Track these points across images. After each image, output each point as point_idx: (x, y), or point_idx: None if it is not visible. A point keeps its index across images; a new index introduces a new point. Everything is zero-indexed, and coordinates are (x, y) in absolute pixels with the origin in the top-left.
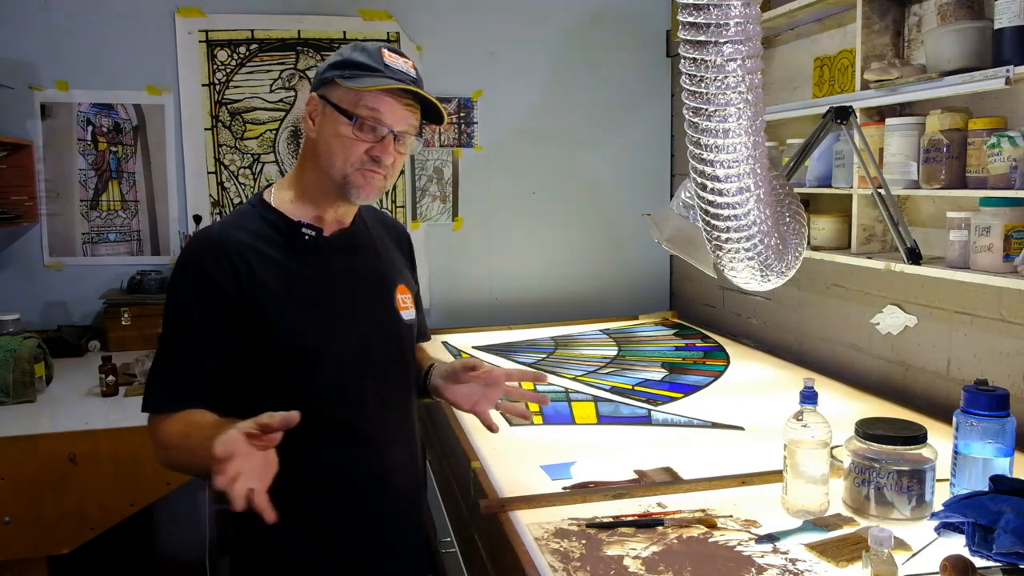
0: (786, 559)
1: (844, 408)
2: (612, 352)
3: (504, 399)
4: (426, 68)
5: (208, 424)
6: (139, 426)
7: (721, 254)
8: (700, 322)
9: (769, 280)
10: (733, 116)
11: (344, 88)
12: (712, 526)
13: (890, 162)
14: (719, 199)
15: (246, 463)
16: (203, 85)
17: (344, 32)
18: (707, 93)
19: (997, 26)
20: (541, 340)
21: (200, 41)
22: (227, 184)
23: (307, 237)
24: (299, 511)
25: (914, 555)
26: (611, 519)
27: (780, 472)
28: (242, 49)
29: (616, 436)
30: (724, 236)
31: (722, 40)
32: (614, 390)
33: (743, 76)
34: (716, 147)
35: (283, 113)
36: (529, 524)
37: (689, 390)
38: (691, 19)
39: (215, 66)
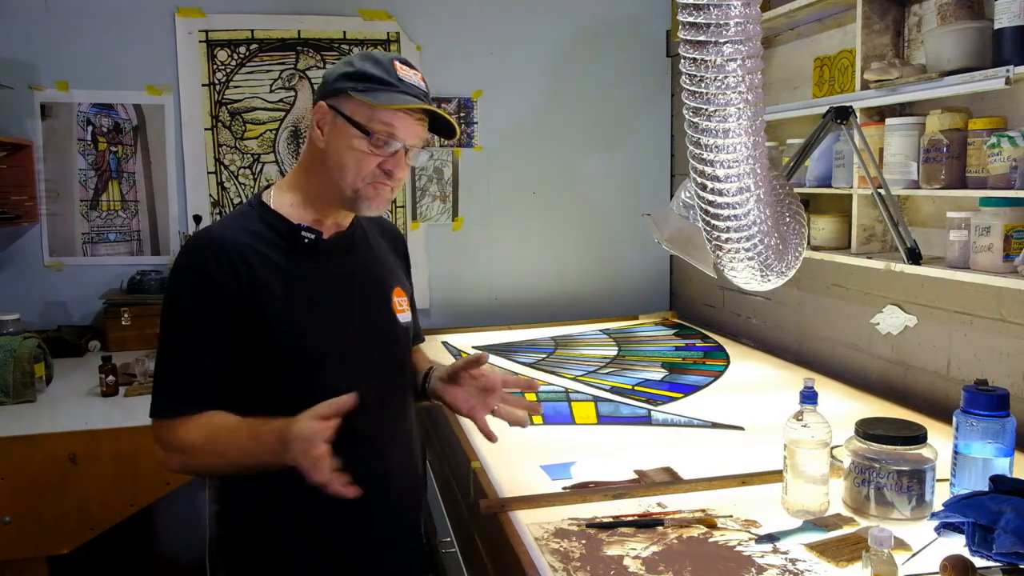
0: (786, 559)
1: (844, 408)
2: (612, 352)
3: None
4: (426, 68)
5: (238, 424)
6: (139, 426)
7: (721, 254)
8: (700, 322)
9: (769, 280)
10: (733, 116)
11: (358, 101)
12: (712, 526)
13: (890, 162)
14: (719, 199)
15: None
16: (203, 85)
17: (344, 32)
18: (707, 93)
19: (997, 26)
20: (541, 340)
21: (200, 41)
22: (227, 184)
23: (307, 240)
24: (299, 511)
25: (914, 555)
26: (611, 519)
27: (780, 472)
28: (242, 49)
29: (616, 436)
30: (724, 236)
31: (722, 40)
32: (614, 390)
33: (743, 76)
34: (716, 147)
35: (283, 113)
36: (529, 524)
37: (689, 390)
38: (691, 19)
39: (215, 66)
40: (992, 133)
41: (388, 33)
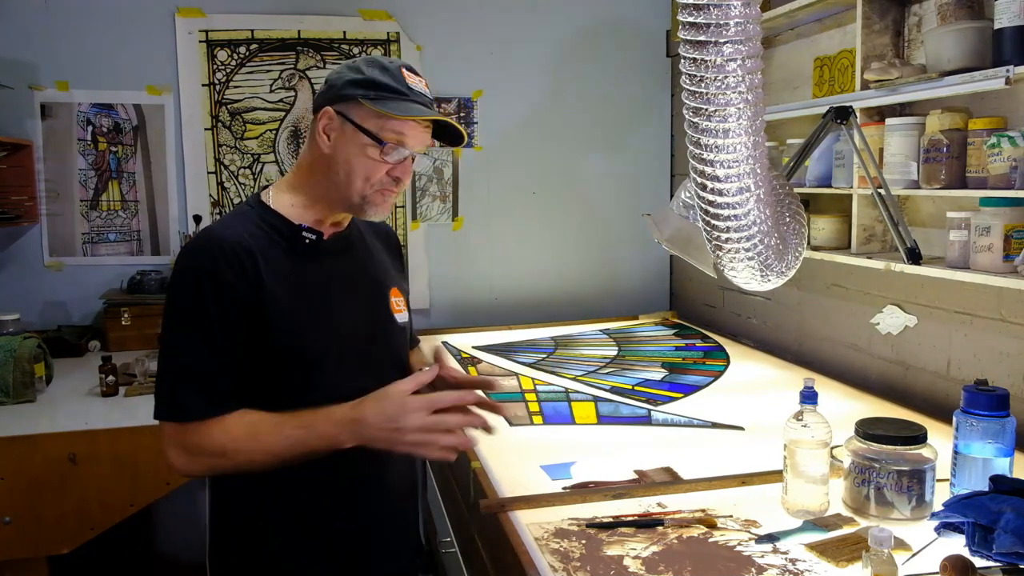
0: (786, 559)
1: (844, 408)
2: (612, 352)
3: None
4: (426, 68)
5: (281, 418)
6: (139, 426)
7: (721, 254)
8: (700, 322)
9: (769, 280)
10: (733, 116)
11: (368, 110)
12: (712, 526)
13: (890, 162)
14: (719, 199)
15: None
16: (203, 85)
17: (344, 32)
18: (707, 93)
19: (997, 26)
20: (541, 340)
21: (200, 41)
22: (227, 184)
23: (308, 240)
24: (298, 511)
25: (914, 555)
26: (611, 519)
27: (780, 472)
28: (242, 49)
29: (616, 436)
30: (724, 236)
31: (722, 40)
32: (614, 390)
33: (743, 76)
34: (716, 147)
35: (283, 113)
36: (529, 524)
37: (689, 390)
38: (691, 19)
39: (215, 66)
40: (992, 133)
41: (388, 33)
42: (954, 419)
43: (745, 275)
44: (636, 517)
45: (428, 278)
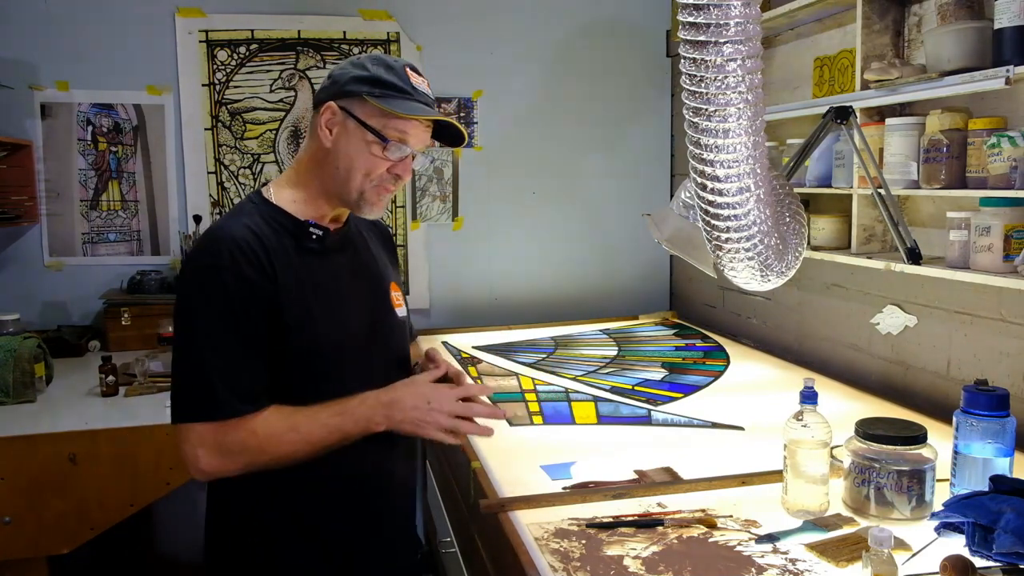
0: (786, 559)
1: (844, 408)
2: (612, 352)
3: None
4: (426, 68)
5: (314, 408)
6: (139, 426)
7: (721, 254)
8: (700, 322)
9: (769, 280)
10: (733, 116)
11: (372, 107)
12: (712, 526)
13: (890, 162)
14: (719, 199)
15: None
16: (203, 85)
17: (344, 32)
18: (707, 93)
19: (997, 26)
20: (541, 340)
21: (200, 41)
22: (227, 184)
23: (315, 236)
24: (296, 511)
25: (914, 555)
26: (611, 519)
27: (780, 472)
28: (242, 49)
29: (616, 436)
30: (724, 236)
31: (722, 40)
32: (614, 390)
33: (743, 76)
34: (716, 147)
35: (283, 113)
36: (529, 524)
37: (689, 390)
38: (691, 19)
39: (215, 66)
40: (992, 133)
41: (388, 33)
42: (954, 419)
43: (745, 275)
44: (636, 517)
45: (428, 278)
